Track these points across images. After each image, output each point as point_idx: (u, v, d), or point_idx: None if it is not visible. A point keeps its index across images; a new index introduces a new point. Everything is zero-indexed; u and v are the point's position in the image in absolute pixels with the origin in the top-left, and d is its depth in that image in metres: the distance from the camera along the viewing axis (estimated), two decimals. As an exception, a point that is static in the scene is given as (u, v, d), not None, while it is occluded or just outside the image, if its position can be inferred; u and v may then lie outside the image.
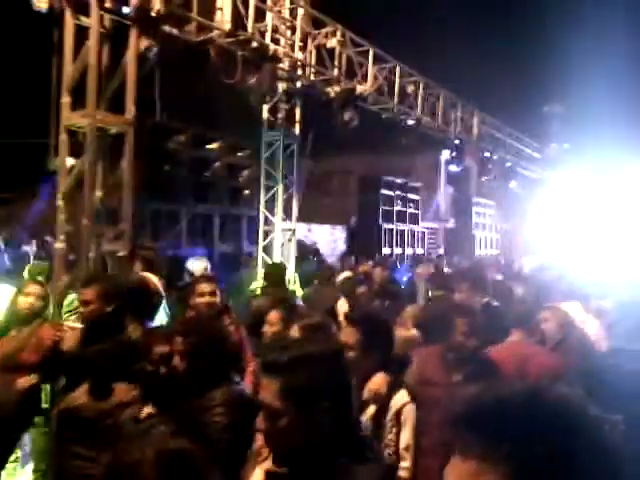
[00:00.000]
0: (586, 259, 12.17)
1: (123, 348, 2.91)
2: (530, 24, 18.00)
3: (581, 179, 18.38)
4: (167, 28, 5.77)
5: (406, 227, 17.17)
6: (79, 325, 3.72)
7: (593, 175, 18.03)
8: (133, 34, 4.79)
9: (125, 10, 4.82)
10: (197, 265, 6.27)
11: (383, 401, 2.77)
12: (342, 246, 15.69)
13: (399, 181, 16.97)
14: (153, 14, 5.01)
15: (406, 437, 2.73)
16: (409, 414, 2.75)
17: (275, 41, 7.35)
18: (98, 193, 4.82)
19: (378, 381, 2.80)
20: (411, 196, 17.49)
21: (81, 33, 4.64)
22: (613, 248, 14.52)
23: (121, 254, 4.79)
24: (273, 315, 3.76)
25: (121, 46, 4.82)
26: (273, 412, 1.57)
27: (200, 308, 4.20)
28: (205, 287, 4.24)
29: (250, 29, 6.72)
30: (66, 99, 4.77)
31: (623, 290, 6.17)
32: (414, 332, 4.07)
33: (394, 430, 2.74)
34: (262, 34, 7.16)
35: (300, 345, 1.72)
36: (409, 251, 17.11)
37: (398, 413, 2.75)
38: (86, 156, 4.58)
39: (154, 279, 4.48)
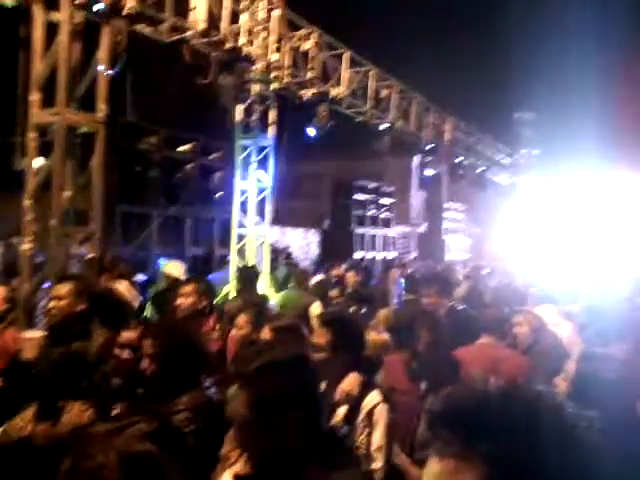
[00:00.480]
0: (555, 264, 12.38)
1: (74, 360, 2.73)
2: (501, 32, 18.27)
3: (551, 185, 18.72)
4: (140, 27, 5.69)
5: (378, 231, 17.23)
6: (39, 333, 3.63)
7: (562, 181, 18.38)
8: (105, 32, 4.69)
9: (97, 7, 4.72)
10: (174, 267, 6.16)
11: (355, 402, 2.76)
12: (315, 250, 15.68)
13: (372, 185, 17.04)
14: (125, 12, 4.92)
15: (378, 438, 2.71)
16: (381, 414, 2.74)
17: (249, 43, 7.30)
18: (67, 193, 4.70)
19: (350, 381, 2.79)
20: (383, 200, 17.57)
21: (51, 29, 4.53)
22: (581, 253, 14.81)
23: (90, 256, 4.68)
24: (241, 318, 3.73)
25: (92, 44, 4.71)
26: (243, 420, 1.59)
27: (181, 310, 4.16)
28: (187, 288, 4.20)
29: (224, 30, 6.66)
30: (35, 96, 4.65)
31: (591, 294, 6.30)
32: (385, 336, 4.08)
33: (366, 431, 2.73)
34: (236, 35, 7.10)
35: (265, 353, 1.71)
36: (381, 255, 17.18)
37: (370, 414, 2.73)
38: (55, 155, 4.46)
39: (129, 289, 4.41)
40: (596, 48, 17.38)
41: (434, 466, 0.87)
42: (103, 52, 4.66)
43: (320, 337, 2.87)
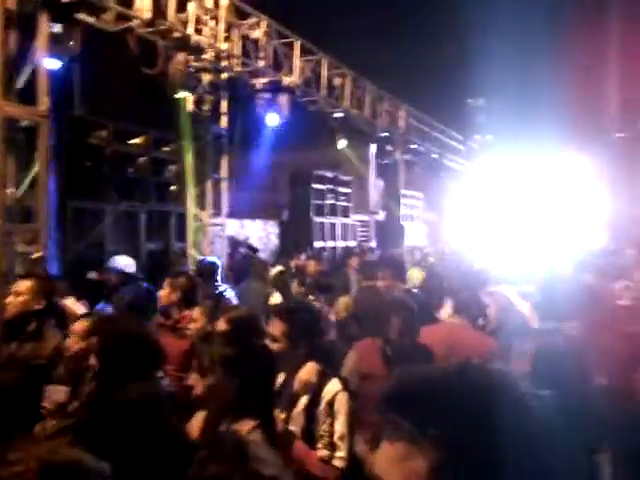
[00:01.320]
0: (508, 246, 12.65)
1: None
2: (452, 19, 18.47)
3: (503, 169, 19.11)
4: (82, 16, 5.51)
5: (337, 220, 17.27)
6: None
7: (514, 165, 18.78)
8: (43, 20, 4.51)
9: (34, -5, 4.54)
10: (124, 262, 6.00)
11: (314, 391, 2.75)
12: (275, 241, 15.61)
13: (330, 175, 17.04)
14: (65, 1, 4.74)
15: (340, 427, 2.72)
16: (342, 403, 2.73)
17: (198, 31, 7.17)
18: (11, 190, 4.53)
19: (308, 370, 2.78)
20: (342, 189, 17.60)
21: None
22: (532, 234, 15.18)
23: (35, 255, 4.53)
24: (196, 311, 3.67)
25: (30, 33, 4.53)
26: None
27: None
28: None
29: (171, 19, 6.52)
30: (-29, 90, 4.44)
31: (543, 274, 6.45)
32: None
33: (328, 420, 2.72)
34: (184, 24, 6.96)
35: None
36: (341, 244, 17.23)
37: (330, 403, 2.73)
38: (-5, 150, 4.29)
39: (74, 304, 4.28)
40: (544, 33, 17.76)
41: (384, 451, 0.85)
42: (41, 42, 4.48)
43: (275, 328, 2.84)
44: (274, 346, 2.76)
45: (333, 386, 2.77)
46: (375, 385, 3.04)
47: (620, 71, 19.02)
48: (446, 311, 4.48)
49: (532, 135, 17.29)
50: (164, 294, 4.21)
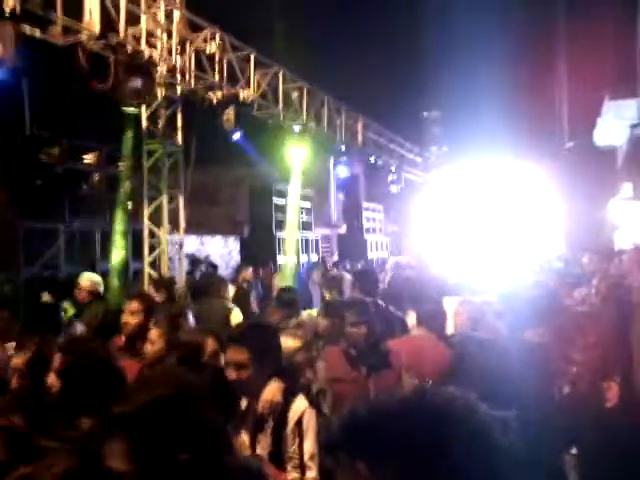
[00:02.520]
0: (468, 255, 12.80)
1: None
2: (407, 34, 18.80)
3: (461, 180, 19.43)
4: (28, 29, 5.32)
5: (300, 235, 17.20)
6: None
7: (469, 175, 19.13)
8: (-18, 32, 4.33)
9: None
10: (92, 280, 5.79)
11: (281, 411, 2.65)
12: (237, 257, 15.42)
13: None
14: (7, 11, 4.56)
15: (309, 446, 2.61)
16: (310, 421, 2.64)
17: (151, 46, 7.04)
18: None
19: (272, 390, 2.67)
20: (303, 204, 17.57)
21: None
22: (490, 245, 15.42)
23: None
24: (154, 332, 3.52)
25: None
26: (125, 477, 1.27)
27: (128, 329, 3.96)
28: (134, 306, 4.00)
29: (122, 33, 6.38)
30: None
31: (504, 282, 6.50)
32: (299, 343, 3.98)
33: (296, 441, 2.62)
34: (137, 39, 6.83)
35: (135, 393, 1.39)
36: (304, 258, 17.16)
37: (299, 422, 2.63)
38: None
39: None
40: (497, 47, 18.24)
41: None
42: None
43: (237, 355, 2.68)
44: (241, 374, 2.63)
45: (300, 404, 2.67)
46: (342, 387, 3.24)
47: (570, 83, 19.66)
48: (410, 321, 4.46)
49: (487, 146, 17.67)
50: (134, 319, 4.02)
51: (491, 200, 18.68)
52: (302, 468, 2.60)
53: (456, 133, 19.45)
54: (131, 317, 3.95)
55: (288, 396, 2.68)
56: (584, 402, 2.26)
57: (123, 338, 4.05)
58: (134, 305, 4.01)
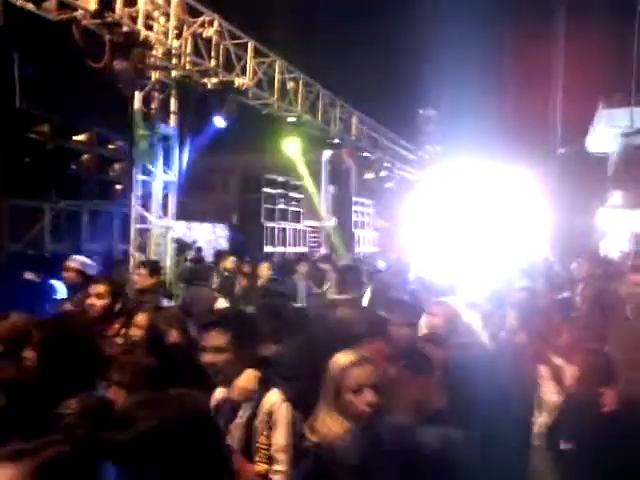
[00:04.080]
0: (456, 256, 12.83)
1: None
2: (404, 32, 18.74)
3: (452, 179, 19.46)
4: (20, 2, 5.23)
5: (288, 225, 17.17)
6: None
7: (462, 175, 19.16)
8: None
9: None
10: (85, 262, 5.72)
11: (255, 402, 2.63)
12: (224, 244, 15.37)
13: (281, 179, 16.94)
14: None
15: (278, 438, 2.59)
16: (282, 413, 2.61)
17: (148, 27, 6.94)
18: None
19: (248, 377, 2.66)
20: (293, 194, 17.53)
21: None
22: (481, 245, 15.47)
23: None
24: (140, 317, 3.48)
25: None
26: None
27: (93, 310, 3.91)
28: (100, 288, 3.95)
29: (119, 12, 6.28)
30: None
31: (490, 284, 6.52)
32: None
33: (265, 432, 2.60)
34: (134, 19, 6.73)
35: (150, 413, 1.23)
36: (291, 250, 17.13)
37: (270, 413, 2.60)
38: None
39: None
40: (493, 49, 18.26)
41: None
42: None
43: (218, 339, 2.67)
44: (219, 358, 2.63)
45: (273, 396, 2.65)
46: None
47: (564, 89, 19.74)
48: None
49: (480, 147, 17.70)
50: (101, 301, 3.98)
51: (481, 201, 18.73)
52: (269, 460, 2.57)
53: (450, 133, 19.48)
54: (97, 300, 3.91)
55: (263, 386, 2.66)
56: (582, 408, 2.27)
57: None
58: (100, 288, 3.97)
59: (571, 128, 19.23)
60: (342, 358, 2.43)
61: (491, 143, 17.15)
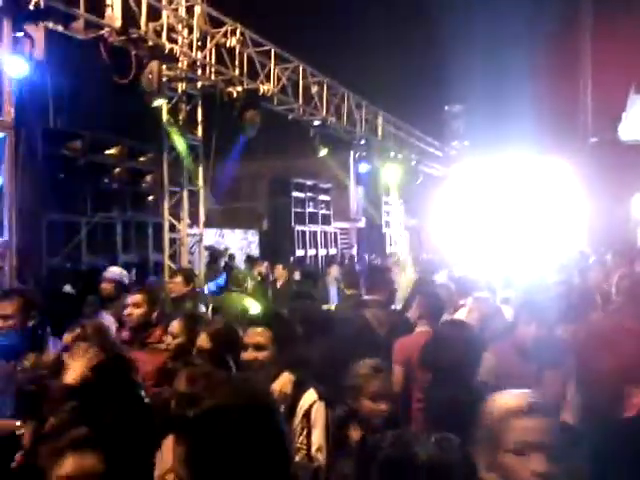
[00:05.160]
0: (489, 251, 12.68)
1: None
2: (428, 27, 18.61)
3: (481, 175, 19.24)
4: (51, 25, 5.39)
5: (318, 228, 17.21)
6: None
7: (492, 170, 18.93)
8: (6, 29, 4.38)
9: (-2, 3, 4.42)
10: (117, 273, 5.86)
11: (290, 402, 2.67)
12: (256, 250, 15.50)
13: (309, 183, 17.00)
14: (31, 7, 4.62)
15: (317, 438, 2.62)
16: (319, 413, 2.64)
17: (172, 40, 7.08)
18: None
19: (283, 381, 2.71)
20: (322, 197, 17.57)
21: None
22: (512, 239, 15.26)
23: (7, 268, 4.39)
24: (175, 326, 3.54)
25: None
26: None
27: (131, 320, 4.01)
28: (137, 297, 4.05)
29: (144, 27, 6.42)
30: None
31: (525, 279, 6.43)
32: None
33: (304, 432, 2.63)
34: (158, 33, 6.87)
35: (216, 394, 1.31)
36: (322, 252, 17.17)
37: (307, 413, 2.64)
38: (-42, 163, 4.15)
39: None
40: (520, 39, 17.99)
41: None
42: (5, 51, 4.35)
43: (259, 336, 2.78)
44: (259, 355, 2.72)
45: (309, 396, 2.68)
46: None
47: (594, 76, 19.31)
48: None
49: (509, 140, 17.45)
50: (138, 310, 4.07)
51: (512, 195, 18.47)
52: (309, 459, 2.61)
53: (478, 127, 19.25)
54: (135, 309, 3.99)
55: (298, 387, 2.70)
56: (605, 410, 2.21)
57: (126, 331, 4.11)
58: (137, 297, 4.05)
59: (602, 116, 18.82)
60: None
61: (520, 135, 16.88)
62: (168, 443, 2.37)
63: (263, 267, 8.25)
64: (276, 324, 2.87)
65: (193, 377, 2.56)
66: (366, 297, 4.96)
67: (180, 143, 7.95)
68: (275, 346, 2.76)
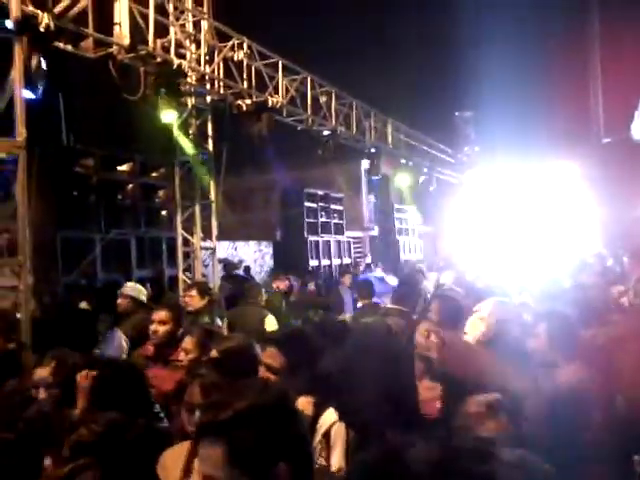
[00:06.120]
0: (503, 257, 12.57)
1: None
2: (438, 33, 18.63)
3: (493, 180, 19.14)
4: (61, 44, 5.45)
5: (331, 238, 17.20)
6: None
7: (503, 175, 18.82)
8: (17, 50, 4.44)
9: (9, 24, 4.48)
10: (135, 290, 5.86)
11: (309, 424, 2.62)
12: (270, 261, 15.51)
13: (321, 192, 17.02)
14: (42, 29, 4.68)
15: (337, 459, 2.57)
16: (339, 434, 2.59)
17: (180, 56, 7.14)
18: (-9, 224, 4.43)
19: (302, 403, 2.64)
20: (334, 207, 17.57)
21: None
22: (526, 244, 15.13)
23: (21, 287, 4.42)
24: (188, 341, 3.53)
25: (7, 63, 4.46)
26: None
27: (157, 337, 4.01)
28: (162, 314, 4.05)
29: (152, 44, 6.48)
30: (-53, 124, 4.36)
31: (540, 283, 6.37)
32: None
33: (323, 454, 2.58)
34: (166, 49, 6.93)
35: (236, 398, 1.40)
36: (336, 262, 17.14)
37: (327, 434, 2.59)
38: (-28, 184, 4.19)
39: None
40: (529, 41, 17.94)
41: None
42: (17, 72, 4.41)
43: (272, 359, 2.71)
44: (272, 377, 2.65)
45: (329, 416, 2.63)
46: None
47: (604, 77, 19.18)
48: None
49: (521, 145, 17.35)
50: (164, 327, 4.05)
51: (526, 199, 18.34)
52: None
53: (489, 133, 19.19)
54: (160, 326, 3.98)
55: (318, 408, 2.64)
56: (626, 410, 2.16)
57: (151, 347, 4.09)
58: (163, 314, 4.04)
59: (614, 116, 18.66)
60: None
61: (532, 139, 16.80)
62: (169, 457, 2.37)
63: (284, 284, 8.22)
64: (294, 345, 2.77)
65: (206, 387, 2.59)
66: (390, 306, 4.88)
67: (193, 156, 8.00)
68: (288, 371, 2.67)
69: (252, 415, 1.33)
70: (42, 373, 2.80)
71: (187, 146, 7.97)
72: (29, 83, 4.51)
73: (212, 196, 8.38)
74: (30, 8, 4.76)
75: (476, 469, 1.03)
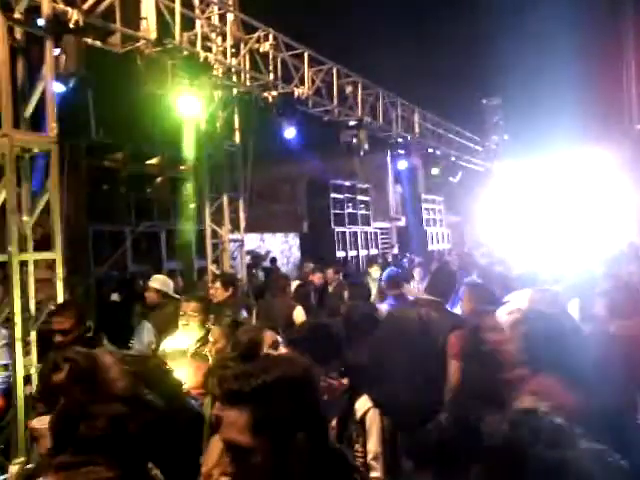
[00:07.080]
0: (534, 246, 12.39)
1: None
2: (465, 19, 18.35)
3: (522, 168, 18.83)
4: (90, 40, 5.52)
5: (358, 229, 17.14)
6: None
7: (534, 163, 18.50)
8: (49, 47, 4.51)
9: (40, 22, 4.54)
10: (162, 282, 5.93)
11: (344, 410, 2.63)
12: (297, 253, 15.54)
13: (347, 183, 16.95)
14: (71, 26, 4.74)
15: (373, 445, 2.58)
16: (374, 420, 2.61)
17: (207, 49, 7.16)
18: (25, 218, 4.51)
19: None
20: (361, 197, 17.50)
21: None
22: (558, 232, 14.87)
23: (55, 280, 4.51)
24: (215, 331, 3.57)
25: (37, 59, 4.53)
26: (242, 449, 1.38)
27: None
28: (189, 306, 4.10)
29: (178, 37, 6.51)
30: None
31: (572, 273, 6.24)
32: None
33: (360, 440, 2.60)
34: (193, 42, 6.96)
35: (267, 369, 1.49)
36: (363, 252, 17.09)
37: (362, 421, 2.60)
38: (7, 179, 4.27)
39: None
40: (559, 25, 17.52)
41: None
42: (48, 68, 4.47)
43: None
44: None
45: (364, 403, 2.64)
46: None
47: (637, 61, 18.65)
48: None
49: (551, 131, 17.02)
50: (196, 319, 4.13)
51: (557, 188, 18.01)
52: (366, 468, 2.57)
53: (518, 120, 18.87)
54: (192, 318, 4.03)
55: (352, 395, 2.66)
56: None
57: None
58: (193, 305, 4.08)
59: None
60: None
61: (562, 127, 16.44)
62: (214, 443, 2.39)
63: (317, 277, 8.21)
64: (316, 340, 2.74)
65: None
66: (423, 296, 4.83)
67: (220, 149, 8.05)
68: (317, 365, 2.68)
69: (280, 386, 1.41)
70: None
71: (214, 139, 8.00)
72: (59, 78, 4.57)
73: (240, 188, 8.42)
74: (60, 6, 4.83)
75: (551, 456, 1.02)
